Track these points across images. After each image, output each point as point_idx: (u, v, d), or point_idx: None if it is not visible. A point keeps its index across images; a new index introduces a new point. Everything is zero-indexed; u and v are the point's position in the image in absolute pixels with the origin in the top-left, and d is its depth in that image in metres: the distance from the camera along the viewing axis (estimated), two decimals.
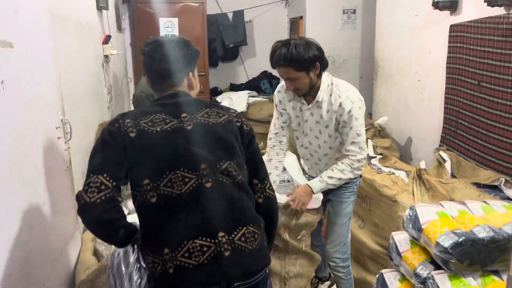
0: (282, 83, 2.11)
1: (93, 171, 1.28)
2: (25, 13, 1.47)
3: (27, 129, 1.42)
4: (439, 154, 2.74)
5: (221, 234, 1.28)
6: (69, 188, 1.86)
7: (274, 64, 1.95)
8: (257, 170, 1.48)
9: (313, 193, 2.02)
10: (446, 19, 3.25)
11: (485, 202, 1.47)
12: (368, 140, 3.00)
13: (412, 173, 2.27)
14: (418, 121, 3.77)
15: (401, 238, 1.46)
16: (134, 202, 1.35)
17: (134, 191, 1.33)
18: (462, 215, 1.36)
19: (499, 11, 2.68)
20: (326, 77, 2.05)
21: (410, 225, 1.38)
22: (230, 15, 6.01)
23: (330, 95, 2.00)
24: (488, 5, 2.66)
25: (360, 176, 2.20)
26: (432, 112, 3.52)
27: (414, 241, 1.42)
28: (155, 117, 1.36)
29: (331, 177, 1.99)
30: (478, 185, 2.47)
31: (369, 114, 5.23)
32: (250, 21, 6.24)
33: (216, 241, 1.27)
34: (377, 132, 3.75)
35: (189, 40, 1.52)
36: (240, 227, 1.32)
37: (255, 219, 1.38)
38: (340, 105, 1.96)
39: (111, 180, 1.27)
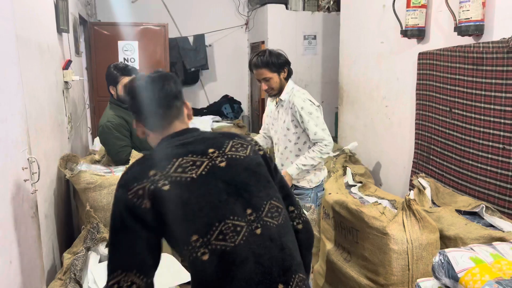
0: None
1: (120, 266, 1.09)
2: None
3: None
4: (418, 181, 2.73)
5: (280, 287, 1.15)
6: (36, 238, 1.61)
7: (253, 67, 2.46)
8: (290, 196, 1.38)
9: (292, 178, 2.46)
10: (414, 46, 3.32)
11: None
12: (347, 168, 2.94)
13: (401, 203, 2.22)
14: (388, 146, 3.80)
15: (428, 286, 1.37)
16: (184, 261, 1.18)
17: (182, 250, 1.14)
18: (497, 260, 1.29)
19: (468, 40, 2.76)
20: (290, 82, 2.65)
21: (443, 272, 1.30)
22: (191, 39, 5.89)
23: (289, 96, 2.54)
24: (458, 34, 2.73)
25: (323, 189, 2.68)
26: (402, 137, 3.56)
27: None
28: (182, 162, 1.19)
29: (304, 165, 2.47)
30: (459, 212, 2.46)
31: (334, 138, 5.25)
32: (210, 45, 6.15)
33: None
34: (347, 157, 3.72)
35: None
36: (293, 276, 1.19)
37: (301, 265, 1.26)
38: (294, 103, 2.50)
39: (143, 277, 1.10)
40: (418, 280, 1.45)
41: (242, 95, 6.47)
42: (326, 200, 2.69)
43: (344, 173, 2.90)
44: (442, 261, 1.33)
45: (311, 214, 1.99)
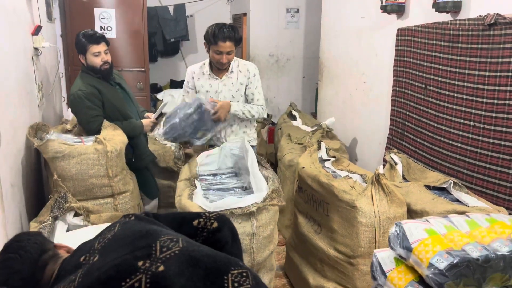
0: (197, 65, 2.77)
1: None
2: None
3: None
4: (391, 156, 2.77)
5: None
6: None
7: (223, 39, 2.47)
8: (184, 216, 1.47)
9: (231, 107, 2.59)
10: (393, 22, 3.30)
11: (467, 216, 1.45)
12: (322, 142, 2.96)
13: (370, 177, 2.25)
14: (364, 122, 3.82)
15: (384, 256, 1.41)
16: None
17: None
18: (450, 231, 1.32)
19: (446, 17, 2.75)
20: None
21: (398, 243, 1.33)
22: (171, 9, 5.75)
23: (238, 67, 2.71)
24: (436, 10, 2.72)
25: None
26: (379, 113, 3.58)
27: (400, 260, 1.37)
28: None
29: (248, 110, 2.68)
30: (428, 187, 2.51)
31: (311, 114, 5.26)
32: (191, 16, 6.02)
33: None
34: (324, 133, 3.74)
35: None
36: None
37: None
38: (248, 70, 2.72)
39: None
40: (375, 251, 1.49)
41: None
42: (300, 174, 2.71)
43: (319, 148, 2.91)
44: (398, 232, 1.36)
45: (272, 184, 2.02)
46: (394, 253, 1.40)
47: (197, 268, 1.11)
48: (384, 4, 3.22)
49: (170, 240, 1.17)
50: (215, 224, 1.34)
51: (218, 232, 1.33)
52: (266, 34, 5.49)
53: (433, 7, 2.74)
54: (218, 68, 2.65)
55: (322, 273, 2.44)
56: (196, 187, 2.08)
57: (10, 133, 2.06)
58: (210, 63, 2.69)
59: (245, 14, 5.59)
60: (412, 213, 2.25)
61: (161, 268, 1.08)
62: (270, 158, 4.59)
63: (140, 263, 1.09)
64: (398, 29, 3.18)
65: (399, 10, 3.17)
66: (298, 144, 3.55)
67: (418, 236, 1.30)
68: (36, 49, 2.76)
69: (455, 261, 1.19)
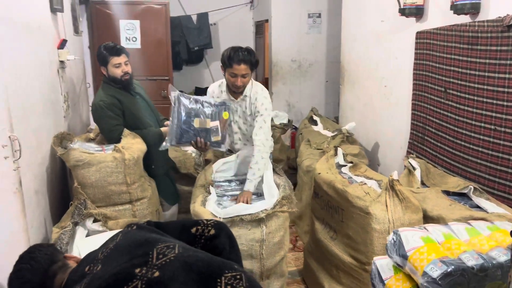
0: (216, 84, 2.76)
1: None
2: None
3: None
4: (409, 162, 2.73)
5: None
6: (19, 213, 1.68)
7: (238, 62, 2.48)
8: (184, 224, 1.51)
9: (251, 192, 2.38)
10: (412, 25, 3.26)
11: (469, 224, 1.43)
12: (338, 148, 2.95)
13: (384, 183, 2.23)
14: (385, 126, 3.77)
15: (383, 264, 1.40)
16: None
17: None
18: (448, 240, 1.31)
19: (464, 19, 2.69)
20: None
21: (394, 251, 1.32)
22: (194, 18, 5.86)
23: (251, 91, 2.65)
24: (454, 13, 2.67)
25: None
26: (399, 117, 3.53)
27: (398, 268, 1.36)
28: None
29: (253, 173, 2.44)
30: (448, 193, 2.46)
31: (335, 118, 5.23)
32: (215, 24, 6.12)
33: None
34: (345, 138, 3.71)
35: None
36: (219, 280, 1.21)
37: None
38: (256, 99, 2.63)
39: None
40: (374, 258, 1.48)
41: None
42: (316, 179, 2.72)
43: (336, 153, 2.90)
44: (395, 239, 1.35)
45: (284, 191, 2.03)
46: (392, 261, 1.39)
47: (191, 272, 1.15)
48: (402, 7, 3.18)
49: (166, 247, 1.22)
50: (212, 231, 1.39)
51: (215, 239, 1.37)
52: (288, 39, 5.52)
53: (451, 9, 2.69)
54: (234, 91, 2.64)
55: (338, 280, 2.43)
56: (210, 193, 2.12)
57: (34, 142, 2.17)
58: (227, 84, 2.68)
59: (267, 20, 5.64)
60: (428, 220, 2.22)
61: (157, 274, 1.13)
62: (292, 163, 4.60)
63: (137, 270, 1.15)
64: (417, 32, 3.14)
65: (418, 13, 3.13)
66: (317, 149, 3.55)
67: (414, 244, 1.29)
68: (61, 62, 2.90)
69: (449, 270, 1.17)
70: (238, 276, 1.18)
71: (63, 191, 2.78)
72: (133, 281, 1.12)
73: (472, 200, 2.35)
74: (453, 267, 1.19)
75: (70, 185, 2.84)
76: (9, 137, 1.60)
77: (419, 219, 2.17)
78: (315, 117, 4.50)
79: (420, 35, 3.11)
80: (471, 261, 1.20)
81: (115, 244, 1.30)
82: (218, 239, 1.38)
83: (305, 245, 2.96)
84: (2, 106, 1.57)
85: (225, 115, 2.49)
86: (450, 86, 2.81)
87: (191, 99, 2.39)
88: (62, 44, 2.86)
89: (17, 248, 1.66)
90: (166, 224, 1.47)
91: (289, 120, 4.48)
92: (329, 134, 3.99)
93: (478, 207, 2.26)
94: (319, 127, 4.32)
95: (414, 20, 3.24)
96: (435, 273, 1.18)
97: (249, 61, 2.50)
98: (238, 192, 2.37)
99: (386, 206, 2.15)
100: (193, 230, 1.40)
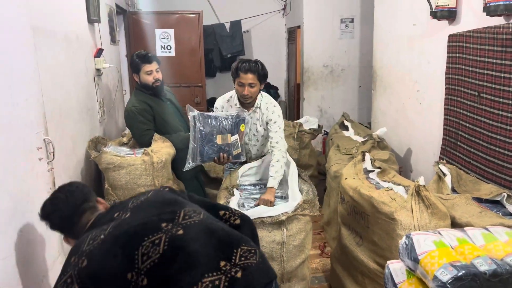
0: (224, 99, 2.81)
1: None
2: (2, 30, 1.41)
3: (1, 154, 1.35)
4: (439, 168, 2.66)
5: (222, 263, 1.24)
6: None
7: (245, 71, 2.55)
8: (215, 204, 1.57)
9: (275, 189, 2.44)
10: (445, 28, 3.18)
11: (486, 229, 1.39)
12: (366, 153, 2.92)
13: (410, 189, 2.19)
14: (418, 131, 3.69)
15: (396, 268, 1.38)
16: None
17: None
18: (462, 244, 1.28)
19: (498, 21, 2.61)
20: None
21: (406, 254, 1.30)
22: (228, 25, 5.97)
23: (265, 104, 2.74)
24: (487, 14, 2.59)
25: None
26: (432, 122, 3.44)
27: (411, 272, 1.34)
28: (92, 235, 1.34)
29: (276, 171, 2.50)
30: (480, 200, 2.38)
31: (368, 124, 5.16)
32: (247, 31, 6.21)
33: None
34: (375, 143, 3.66)
35: None
36: (235, 250, 1.28)
37: (242, 238, 1.37)
38: (267, 109, 2.73)
39: None
40: (388, 262, 1.46)
41: (279, 81, 6.50)
42: (342, 185, 2.70)
43: (363, 159, 2.87)
44: (407, 243, 1.33)
45: (306, 195, 2.04)
46: (404, 265, 1.37)
47: (212, 238, 1.25)
48: (434, 10, 3.12)
49: (193, 211, 1.33)
50: (238, 221, 1.46)
51: (238, 228, 1.43)
52: (320, 45, 5.51)
53: (483, 11, 2.62)
54: (243, 102, 2.68)
55: (363, 286, 2.40)
56: (233, 195, 2.16)
57: (70, 145, 2.30)
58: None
59: (299, 26, 5.66)
60: (457, 227, 2.15)
61: (180, 232, 1.24)
62: (323, 169, 4.57)
63: (163, 225, 1.25)
64: (449, 35, 3.07)
65: (450, 16, 3.06)
66: (347, 154, 3.52)
67: (425, 248, 1.26)
68: (97, 69, 3.04)
69: (459, 274, 1.14)
70: (253, 251, 1.27)
71: (97, 192, 2.88)
72: (158, 233, 1.22)
73: (505, 207, 2.26)
74: (464, 271, 1.16)
75: (103, 187, 2.97)
76: (43, 140, 1.71)
77: (447, 226, 2.11)
78: (346, 123, 4.46)
79: (452, 38, 3.04)
80: (484, 266, 1.16)
81: (146, 198, 1.40)
82: (241, 229, 1.43)
83: (332, 251, 2.94)
84: (38, 111, 1.68)
85: (242, 127, 2.55)
86: (484, 90, 2.72)
87: (209, 117, 2.44)
88: (99, 53, 3.01)
89: (50, 245, 1.77)
90: (198, 198, 1.56)
91: (319, 126, 4.47)
92: (360, 139, 3.95)
93: (511, 214, 2.18)
94: (350, 133, 4.28)
95: (447, 23, 3.17)
96: (445, 277, 1.16)
97: (256, 71, 2.55)
98: None
99: (412, 212, 2.11)
100: (221, 212, 1.48)
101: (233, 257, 1.24)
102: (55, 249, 1.82)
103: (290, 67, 6.33)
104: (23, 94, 1.55)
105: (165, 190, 1.50)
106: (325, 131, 5.06)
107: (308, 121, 4.45)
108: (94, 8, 2.94)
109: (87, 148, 2.61)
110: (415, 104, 3.72)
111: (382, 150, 3.60)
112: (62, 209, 1.44)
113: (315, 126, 4.39)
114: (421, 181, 2.12)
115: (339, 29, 5.54)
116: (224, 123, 2.48)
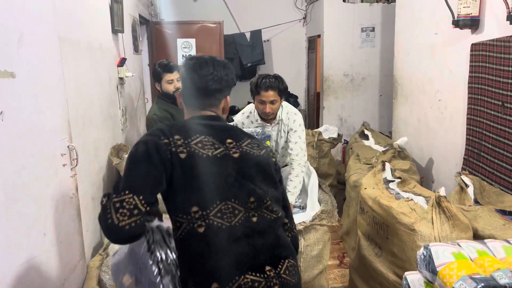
0: (244, 115, 2.82)
1: (129, 188, 1.17)
2: (31, 40, 1.47)
3: (26, 159, 1.40)
4: (461, 178, 2.61)
5: (268, 268, 1.25)
6: (75, 216, 1.82)
7: (266, 88, 2.50)
8: (288, 210, 1.47)
9: (292, 204, 2.40)
10: (467, 37, 3.14)
11: (507, 241, 1.35)
12: (386, 163, 2.88)
13: (431, 200, 2.15)
14: (440, 141, 3.63)
15: (414, 279, 1.36)
16: (175, 230, 1.25)
17: (179, 217, 1.24)
18: (482, 257, 1.25)
19: None
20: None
21: (424, 266, 1.28)
22: (248, 35, 6.03)
23: (286, 114, 2.71)
24: (511, 23, 2.55)
25: None
26: (455, 132, 3.39)
27: (429, 284, 1.31)
28: (204, 139, 1.30)
29: (295, 186, 2.49)
30: (504, 212, 2.32)
31: (389, 133, 5.10)
32: (268, 40, 6.24)
33: (265, 275, 1.24)
34: (396, 153, 3.62)
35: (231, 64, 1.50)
36: (283, 261, 1.29)
37: (294, 253, 1.37)
38: (288, 118, 2.70)
39: (145, 205, 1.17)
40: (405, 273, 1.43)
41: (299, 89, 6.50)
42: (361, 194, 2.68)
43: (383, 169, 2.84)
44: (425, 254, 1.30)
45: (325, 205, 2.02)
46: (422, 276, 1.34)
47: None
48: (456, 19, 3.08)
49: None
50: (290, 234, 1.48)
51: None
52: (341, 54, 5.50)
53: (507, 19, 2.58)
54: (263, 119, 2.69)
55: None
56: None
57: (93, 152, 2.35)
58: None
59: (319, 35, 5.67)
60: (479, 239, 2.10)
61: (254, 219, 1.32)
62: (342, 178, 4.53)
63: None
64: (472, 44, 3.02)
65: (473, 25, 3.02)
66: (367, 164, 3.49)
67: (444, 260, 1.24)
68: (121, 78, 3.12)
69: (478, 287, 1.12)
70: (296, 269, 1.33)
71: None
72: (220, 143, 1.35)
73: None
74: (483, 284, 1.13)
75: None
76: (67, 146, 1.76)
77: (469, 238, 2.07)
78: (366, 132, 4.42)
79: (475, 47, 3.00)
80: (504, 279, 1.13)
81: None
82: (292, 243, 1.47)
83: (351, 261, 2.90)
84: (63, 118, 1.74)
85: (267, 143, 2.58)
86: (508, 100, 2.67)
87: None
88: (122, 62, 3.08)
89: (71, 249, 1.81)
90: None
91: (338, 134, 4.44)
92: (380, 149, 3.91)
93: None
94: (370, 142, 4.24)
95: (469, 32, 3.12)
96: None
97: (276, 87, 2.52)
98: None
99: (433, 223, 2.08)
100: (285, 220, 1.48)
101: (280, 266, 1.26)
102: (76, 254, 1.87)
103: (310, 76, 6.33)
104: (49, 102, 1.60)
105: (271, 159, 1.48)
106: (345, 140, 5.02)
107: (328, 130, 4.43)
108: (118, 19, 3.01)
109: (109, 155, 2.66)
110: (436, 114, 3.66)
111: (403, 160, 3.55)
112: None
113: (335, 135, 4.37)
114: (442, 191, 2.08)
115: (359, 38, 5.53)
116: None
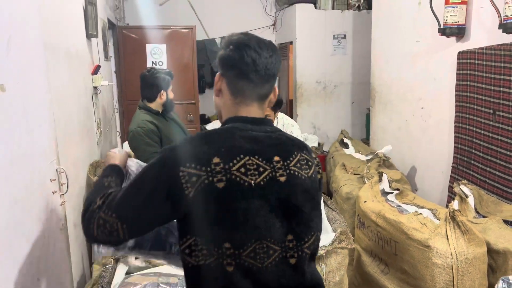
0: None
1: (118, 211, 1.02)
2: (18, 47, 1.22)
3: (19, 191, 1.15)
4: (460, 188, 2.57)
5: None
6: (65, 251, 1.57)
7: None
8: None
9: None
10: (452, 45, 3.15)
11: None
12: (384, 174, 2.80)
13: (444, 214, 2.08)
14: (424, 149, 3.62)
15: None
16: (197, 261, 1.04)
17: (208, 251, 1.03)
18: None
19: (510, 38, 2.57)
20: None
21: None
22: (219, 41, 5.84)
23: (277, 124, 2.70)
24: (503, 31, 2.55)
25: None
26: (440, 140, 3.38)
27: None
28: (248, 161, 1.05)
29: None
30: (506, 222, 2.29)
31: (361, 140, 5.09)
32: None
33: None
34: (381, 162, 3.57)
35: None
36: None
37: None
38: (284, 124, 2.75)
39: (127, 235, 1.04)
40: None
41: None
42: (361, 208, 2.57)
43: (380, 180, 2.76)
44: (505, 287, 1.21)
45: (339, 226, 1.89)
46: None
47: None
48: (442, 27, 3.08)
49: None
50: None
51: None
52: (313, 61, 5.44)
53: (499, 28, 2.58)
54: None
55: None
56: None
57: (73, 172, 2.08)
58: None
59: (291, 42, 5.58)
60: (493, 253, 2.05)
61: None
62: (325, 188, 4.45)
63: None
64: (459, 52, 3.02)
65: (459, 33, 3.02)
66: (355, 174, 3.40)
67: None
68: (95, 87, 2.84)
69: None
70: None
71: None
72: (267, 163, 1.13)
73: None
74: None
75: None
76: (56, 170, 1.50)
77: (484, 253, 2.01)
78: (346, 140, 4.37)
79: (462, 55, 3.00)
80: None
81: None
82: None
83: (350, 278, 2.79)
84: (51, 137, 1.48)
85: None
86: (500, 108, 2.67)
87: None
88: (96, 70, 2.81)
89: None
90: None
91: (319, 143, 4.35)
92: (363, 157, 3.85)
93: None
94: (350, 150, 4.18)
95: (455, 40, 3.13)
96: None
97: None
98: None
99: (448, 238, 2.00)
100: None
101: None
102: None
103: (282, 84, 6.23)
104: (37, 119, 1.35)
105: (318, 175, 1.27)
106: (322, 149, 4.95)
107: (307, 139, 4.33)
108: (93, 22, 2.74)
109: (88, 173, 2.39)
110: (420, 122, 3.66)
111: (389, 169, 3.51)
112: None
113: (315, 144, 4.27)
114: (455, 205, 2.01)
115: (331, 45, 5.50)
116: None
